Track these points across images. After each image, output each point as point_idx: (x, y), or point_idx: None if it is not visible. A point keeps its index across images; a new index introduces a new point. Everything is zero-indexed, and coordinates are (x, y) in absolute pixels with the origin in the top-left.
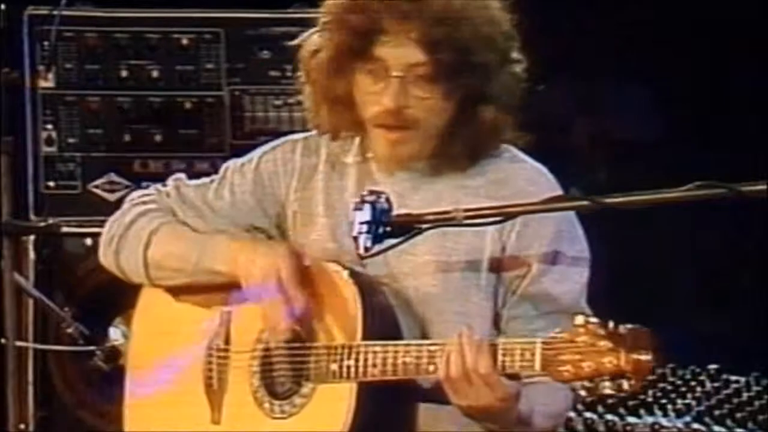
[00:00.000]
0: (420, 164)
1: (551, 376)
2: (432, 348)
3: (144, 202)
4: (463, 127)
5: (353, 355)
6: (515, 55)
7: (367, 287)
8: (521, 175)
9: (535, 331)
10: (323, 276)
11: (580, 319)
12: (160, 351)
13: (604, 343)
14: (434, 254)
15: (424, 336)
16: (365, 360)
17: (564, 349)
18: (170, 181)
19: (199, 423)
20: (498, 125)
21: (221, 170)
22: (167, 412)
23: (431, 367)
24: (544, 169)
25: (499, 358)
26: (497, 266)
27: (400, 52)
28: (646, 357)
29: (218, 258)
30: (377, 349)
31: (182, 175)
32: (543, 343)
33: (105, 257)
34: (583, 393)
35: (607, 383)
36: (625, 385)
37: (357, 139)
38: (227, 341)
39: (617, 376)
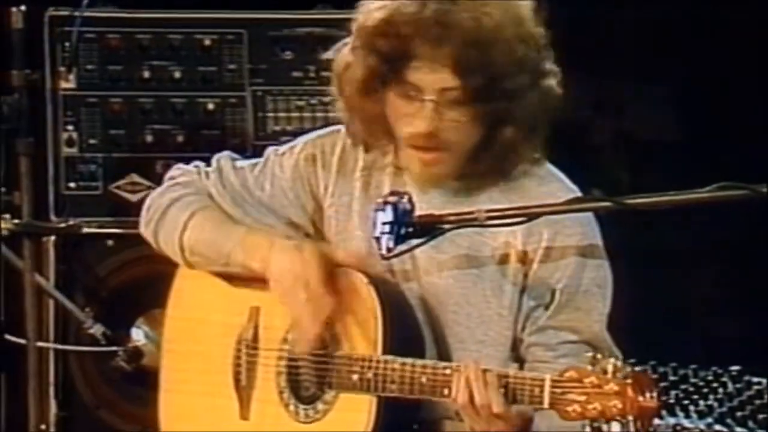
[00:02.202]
0: (452, 183)
1: (558, 413)
2: (447, 372)
3: (181, 184)
4: (486, 148)
5: (372, 369)
6: (549, 67)
7: (390, 299)
8: (550, 198)
9: (555, 358)
10: (346, 282)
11: (588, 359)
12: (193, 337)
13: (610, 387)
14: (458, 281)
15: (443, 354)
16: (384, 376)
17: (571, 389)
18: (214, 161)
19: (229, 417)
20: (516, 145)
21: (264, 156)
22: (199, 402)
23: (446, 391)
24: (576, 190)
25: (510, 392)
26: (519, 295)
27: (432, 77)
28: (651, 402)
29: (249, 254)
30: (396, 366)
31: (228, 153)
32: (552, 380)
33: (145, 234)
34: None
35: (613, 424)
36: (632, 427)
37: (391, 147)
38: (255, 338)
39: (623, 419)
